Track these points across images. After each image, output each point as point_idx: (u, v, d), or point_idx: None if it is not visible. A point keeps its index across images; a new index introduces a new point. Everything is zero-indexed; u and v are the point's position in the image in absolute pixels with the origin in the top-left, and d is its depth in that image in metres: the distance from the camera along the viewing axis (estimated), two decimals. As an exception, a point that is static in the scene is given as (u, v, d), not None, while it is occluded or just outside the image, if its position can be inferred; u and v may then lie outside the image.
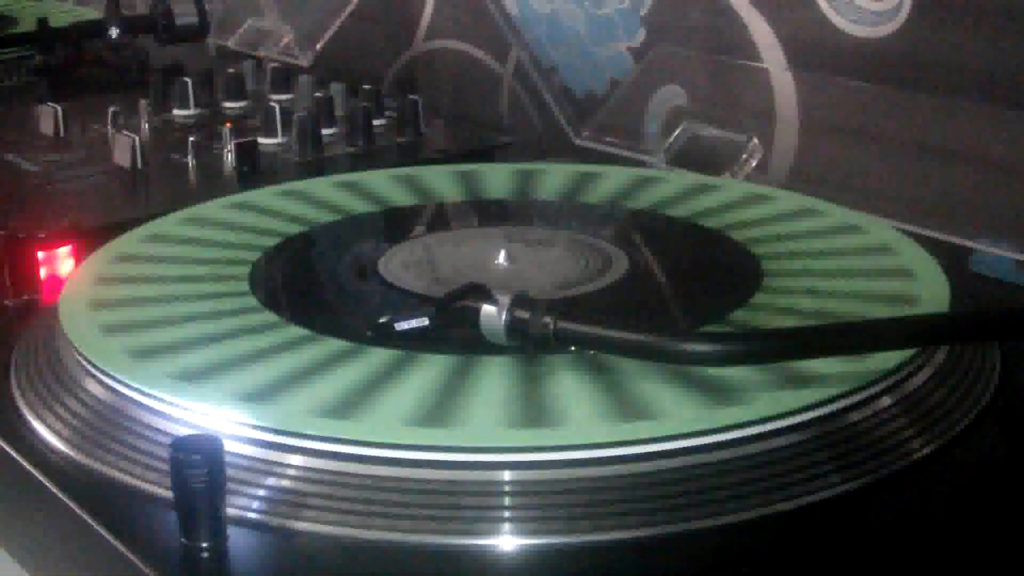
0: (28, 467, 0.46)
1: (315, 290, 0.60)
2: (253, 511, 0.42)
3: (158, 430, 0.45)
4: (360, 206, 0.67)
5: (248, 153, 0.75)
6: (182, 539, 0.40)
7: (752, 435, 0.43)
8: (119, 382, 0.47)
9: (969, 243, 0.66)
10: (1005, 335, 0.50)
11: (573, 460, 0.42)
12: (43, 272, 0.62)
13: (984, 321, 0.47)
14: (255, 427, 0.44)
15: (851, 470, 0.43)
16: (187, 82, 0.88)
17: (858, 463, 0.44)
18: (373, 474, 0.42)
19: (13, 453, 0.47)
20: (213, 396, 0.45)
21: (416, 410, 0.44)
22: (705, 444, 0.43)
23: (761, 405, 0.44)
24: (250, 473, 0.43)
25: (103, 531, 0.42)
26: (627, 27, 0.85)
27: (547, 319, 0.46)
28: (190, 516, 0.40)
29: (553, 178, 0.71)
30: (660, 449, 0.42)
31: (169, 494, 0.40)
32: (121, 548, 0.41)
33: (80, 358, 0.50)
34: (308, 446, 0.43)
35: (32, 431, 0.48)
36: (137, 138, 0.76)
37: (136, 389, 0.47)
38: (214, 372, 0.47)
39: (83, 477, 0.45)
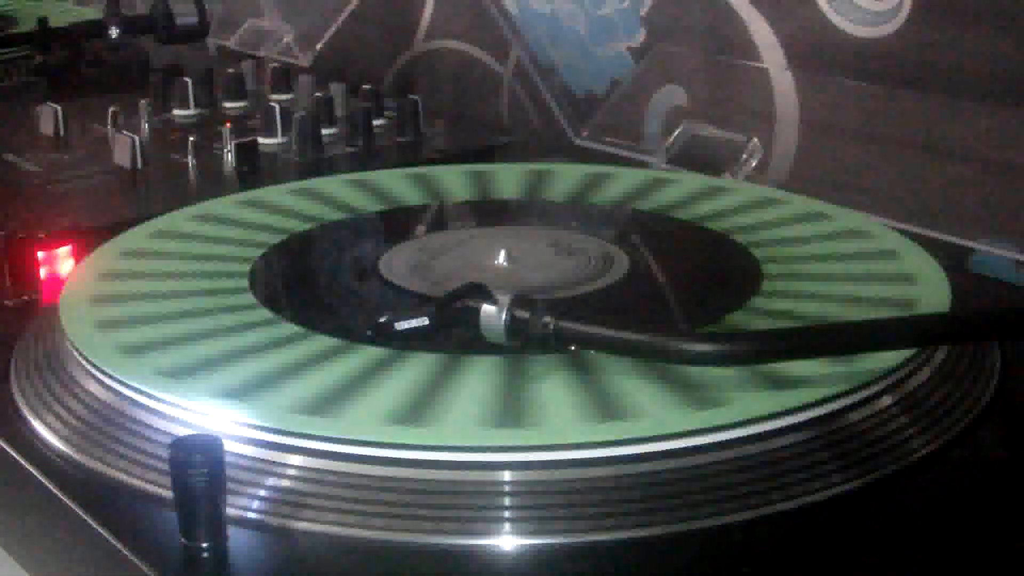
0: (28, 467, 0.46)
1: (316, 290, 0.60)
2: (253, 511, 0.42)
3: (158, 430, 0.45)
4: (369, 204, 0.67)
5: (248, 153, 0.75)
6: (182, 539, 0.40)
7: (752, 435, 0.43)
8: (119, 382, 0.47)
9: (969, 243, 0.66)
10: (1005, 335, 0.50)
11: (573, 460, 0.42)
12: (43, 272, 0.62)
13: (984, 321, 0.47)
14: (255, 426, 0.44)
15: (851, 470, 0.43)
16: (187, 82, 0.88)
17: (858, 463, 0.44)
18: (373, 474, 0.42)
19: (13, 453, 0.47)
20: (213, 396, 0.45)
21: (415, 409, 0.44)
22: (705, 444, 0.43)
23: (761, 404, 0.44)
24: (250, 473, 0.43)
25: (103, 531, 0.42)
26: (627, 27, 0.85)
27: (547, 319, 0.46)
28: (190, 516, 0.40)
29: (563, 179, 0.71)
30: (660, 449, 0.42)
31: (169, 494, 0.40)
32: (121, 548, 0.41)
33: (80, 358, 0.50)
34: (308, 445, 0.43)
35: (32, 431, 0.48)
36: (137, 138, 0.76)
37: (136, 389, 0.47)
38: (214, 372, 0.47)
39: (83, 477, 0.45)
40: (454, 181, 0.70)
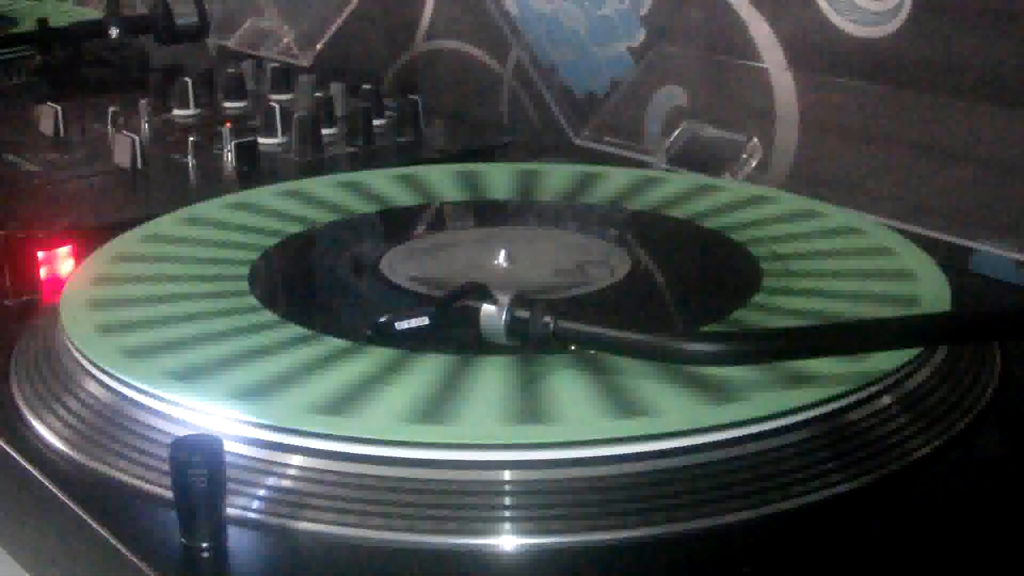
0: (28, 467, 0.46)
1: (317, 290, 0.60)
2: (253, 511, 0.42)
3: (158, 430, 0.45)
4: (361, 206, 0.67)
5: (248, 153, 0.75)
6: (182, 539, 0.40)
7: (752, 434, 0.43)
8: (119, 382, 0.47)
9: (969, 243, 0.66)
10: (1005, 335, 0.50)
11: (572, 459, 0.42)
12: (43, 272, 0.62)
13: (984, 321, 0.47)
14: (255, 426, 0.44)
15: (851, 470, 0.43)
16: (187, 82, 0.88)
17: (858, 463, 0.44)
18: (372, 473, 0.42)
19: (13, 453, 0.47)
20: (213, 396, 0.45)
21: (414, 409, 0.44)
22: (704, 443, 0.43)
23: (761, 404, 0.44)
24: (250, 473, 0.43)
25: (103, 531, 0.42)
26: (627, 27, 0.85)
27: (547, 319, 0.46)
28: (190, 516, 0.40)
29: (554, 178, 0.71)
30: (659, 448, 0.42)
31: (169, 494, 0.40)
32: (121, 548, 0.41)
33: (80, 358, 0.50)
34: (308, 445, 0.43)
35: (32, 431, 0.48)
36: (137, 138, 0.76)
37: (136, 389, 0.47)
38: (214, 371, 0.47)
39: (83, 477, 0.45)
40: (443, 181, 0.70)
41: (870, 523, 0.42)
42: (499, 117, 0.97)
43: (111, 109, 0.83)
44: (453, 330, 0.49)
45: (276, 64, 0.97)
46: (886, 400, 0.47)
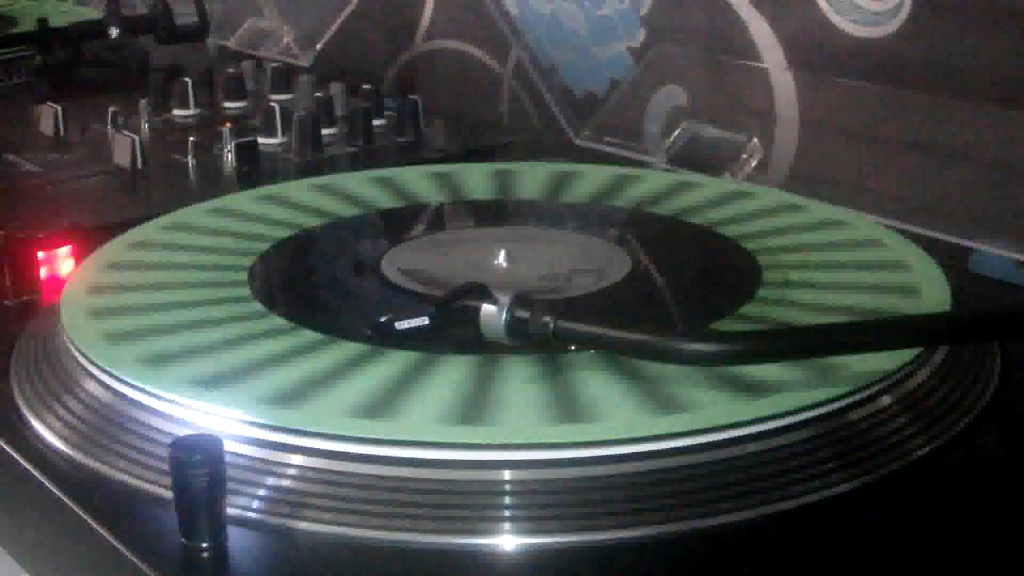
0: (28, 467, 0.46)
1: (317, 290, 0.60)
2: (253, 511, 0.42)
3: (158, 430, 0.45)
4: (344, 208, 0.67)
5: (248, 153, 0.75)
6: (182, 539, 0.40)
7: (752, 434, 0.43)
8: (119, 382, 0.47)
9: (969, 243, 0.66)
10: (1005, 335, 0.50)
11: (572, 459, 0.42)
12: (43, 272, 0.62)
13: (984, 321, 0.47)
14: (255, 426, 0.44)
15: (851, 470, 0.43)
16: (187, 82, 0.88)
17: (858, 463, 0.44)
18: (373, 473, 0.42)
19: (13, 453, 0.47)
20: (213, 395, 0.45)
21: (415, 409, 0.44)
22: (705, 444, 0.43)
23: (761, 404, 0.44)
24: (250, 472, 0.43)
25: (103, 531, 0.42)
26: (627, 27, 0.85)
27: (547, 318, 0.46)
28: (190, 516, 0.40)
29: (587, 180, 0.71)
30: (659, 448, 0.42)
31: (169, 494, 0.40)
32: (121, 548, 0.41)
33: (80, 358, 0.50)
34: (308, 445, 0.43)
35: (32, 431, 0.48)
36: (137, 138, 0.76)
37: (136, 388, 0.47)
38: (214, 371, 0.47)
39: (83, 477, 0.45)
40: (419, 182, 0.70)
41: (870, 523, 0.42)
42: (499, 117, 0.97)
43: (111, 109, 0.83)
44: (453, 330, 0.49)
45: (276, 64, 0.97)
46: (886, 400, 0.47)
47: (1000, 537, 0.42)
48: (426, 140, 0.82)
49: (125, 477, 0.45)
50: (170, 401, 0.46)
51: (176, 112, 0.88)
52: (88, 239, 0.62)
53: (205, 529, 0.40)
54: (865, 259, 0.58)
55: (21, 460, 0.47)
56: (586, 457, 0.42)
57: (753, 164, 0.77)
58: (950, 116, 0.68)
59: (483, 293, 0.48)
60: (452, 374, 0.47)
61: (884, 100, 0.71)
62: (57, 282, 0.60)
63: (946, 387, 0.49)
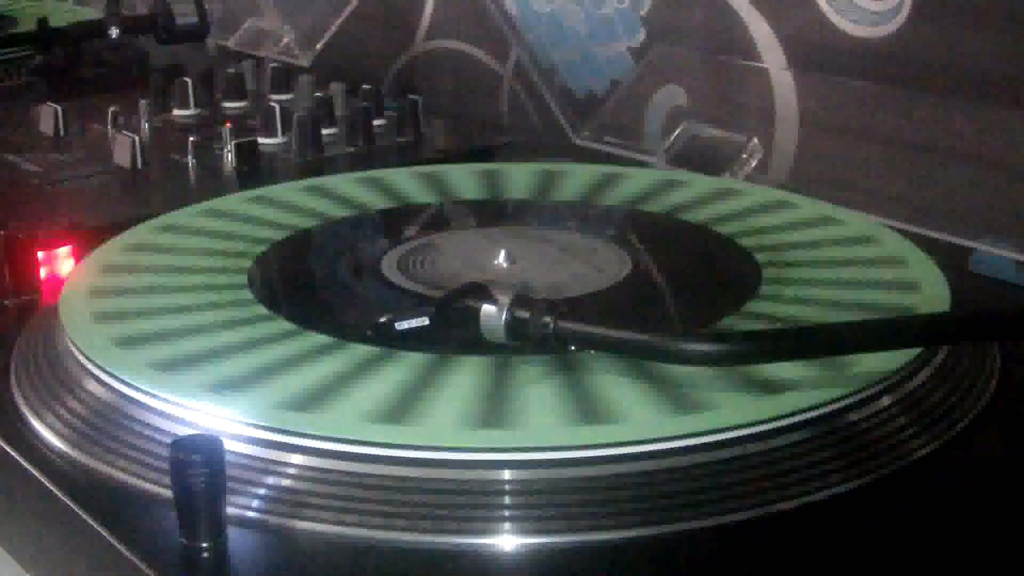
0: (28, 467, 0.46)
1: (318, 290, 0.60)
2: (253, 511, 0.42)
3: (158, 430, 0.45)
4: (336, 209, 0.67)
5: (248, 153, 0.75)
6: (182, 539, 0.40)
7: (752, 435, 0.43)
8: (119, 381, 0.47)
9: (969, 243, 0.66)
10: (1005, 335, 0.50)
11: (572, 460, 0.42)
12: (43, 272, 0.62)
13: (984, 321, 0.47)
14: (255, 426, 0.44)
15: (851, 470, 0.44)
16: (187, 82, 0.88)
17: (858, 463, 0.44)
18: (372, 473, 0.42)
19: (13, 453, 0.47)
20: (213, 396, 0.45)
21: (417, 409, 0.44)
22: (705, 444, 0.43)
23: (761, 405, 0.44)
24: (250, 472, 0.43)
25: (103, 531, 0.42)
26: (627, 27, 0.85)
27: (547, 319, 0.46)
28: (190, 516, 0.40)
29: (574, 179, 0.71)
30: (660, 449, 0.42)
31: (169, 494, 0.40)
32: (121, 548, 0.41)
33: (80, 358, 0.50)
34: (308, 444, 0.43)
35: (32, 431, 0.48)
36: (137, 138, 0.76)
37: (136, 388, 0.47)
38: (214, 372, 0.47)
39: (83, 477, 0.45)
40: (408, 183, 0.70)
41: (870, 523, 0.42)
42: (499, 117, 0.97)
43: (111, 109, 0.83)
44: (453, 330, 0.49)
45: (276, 64, 0.97)
46: (886, 400, 0.47)
47: (1000, 537, 0.42)
48: (426, 140, 0.82)
49: (125, 477, 0.45)
50: (169, 401, 0.46)
51: (176, 112, 0.88)
52: (88, 239, 0.62)
53: (205, 529, 0.40)
54: (860, 255, 0.58)
55: (21, 460, 0.47)
56: (586, 458, 0.42)
57: (753, 164, 0.77)
58: (950, 116, 0.68)
59: (483, 293, 0.48)
60: (456, 376, 0.47)
61: (884, 100, 0.71)
62: (57, 282, 0.60)
63: (946, 387, 0.49)
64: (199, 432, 0.42)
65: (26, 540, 0.49)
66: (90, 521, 0.42)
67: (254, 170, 0.75)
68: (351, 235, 0.64)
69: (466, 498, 0.42)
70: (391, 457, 0.42)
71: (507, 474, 0.42)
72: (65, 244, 0.63)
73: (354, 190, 0.69)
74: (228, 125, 0.78)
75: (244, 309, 0.54)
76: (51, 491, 0.45)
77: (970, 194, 0.68)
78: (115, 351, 0.49)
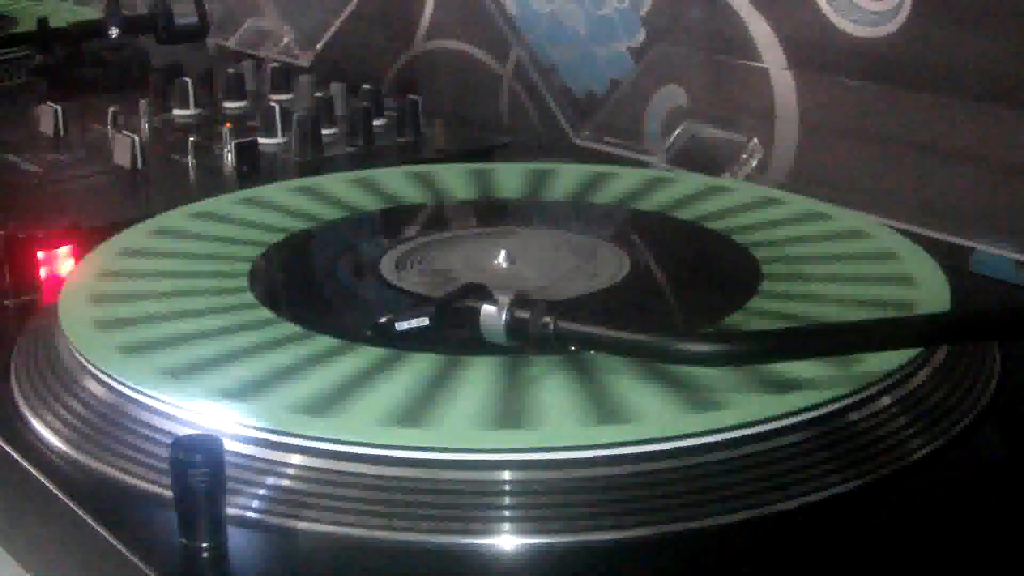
0: (28, 467, 0.46)
1: (319, 290, 0.60)
2: (253, 511, 0.42)
3: (158, 430, 0.45)
4: (328, 210, 0.67)
5: (248, 153, 0.75)
6: (182, 539, 0.40)
7: (752, 435, 0.43)
8: (119, 382, 0.47)
9: (969, 243, 0.66)
10: (1005, 335, 0.50)
11: (572, 460, 0.42)
12: (43, 272, 0.62)
13: (984, 321, 0.47)
14: (255, 426, 0.44)
15: (851, 470, 0.43)
16: (187, 82, 0.88)
17: (858, 463, 0.44)
18: (372, 473, 0.42)
19: (13, 453, 0.47)
20: (213, 395, 0.45)
21: (416, 409, 0.44)
22: (705, 444, 0.43)
23: (761, 404, 0.44)
24: (250, 472, 0.43)
25: (103, 531, 0.42)
26: (627, 27, 0.85)
27: (547, 319, 0.46)
28: (190, 516, 0.40)
29: (565, 178, 0.71)
30: (660, 449, 0.42)
31: (169, 494, 0.40)
32: (121, 548, 0.41)
33: (80, 358, 0.50)
34: (308, 445, 0.43)
35: (32, 431, 0.48)
36: (137, 138, 0.76)
37: (136, 389, 0.47)
38: (214, 372, 0.47)
39: (83, 477, 0.45)
40: (398, 182, 0.70)
41: (870, 523, 0.42)
42: (499, 117, 0.97)
43: (111, 109, 0.83)
44: (453, 330, 0.49)
45: (276, 64, 0.97)
46: (886, 400, 0.47)
47: (1000, 537, 0.42)
48: (426, 140, 0.82)
49: (125, 477, 0.45)
50: (169, 401, 0.46)
51: (176, 112, 0.88)
52: (88, 239, 0.62)
53: (205, 529, 0.40)
54: (853, 249, 0.59)
55: (21, 460, 0.47)
56: (585, 458, 0.42)
57: (753, 164, 0.77)
58: (950, 116, 0.68)
59: (483, 294, 0.48)
60: (462, 378, 0.47)
61: (884, 100, 0.71)
62: (57, 282, 0.60)
63: (946, 387, 0.49)
64: (199, 432, 0.42)
65: (26, 540, 0.49)
66: (90, 521, 0.43)
67: (254, 170, 0.75)
68: (348, 237, 0.64)
69: (466, 498, 0.42)
70: (390, 457, 0.42)
71: (507, 474, 0.42)
72: (65, 244, 0.63)
73: (345, 191, 0.69)
74: (228, 125, 0.78)
75: (244, 311, 0.54)
76: (51, 491, 0.45)
77: (970, 194, 0.68)
78: (115, 351, 0.49)
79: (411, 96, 0.84)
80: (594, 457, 0.42)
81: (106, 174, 0.75)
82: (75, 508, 0.43)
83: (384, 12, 1.06)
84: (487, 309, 0.48)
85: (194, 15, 1.07)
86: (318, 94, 0.85)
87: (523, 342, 0.47)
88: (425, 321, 0.49)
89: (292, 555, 0.41)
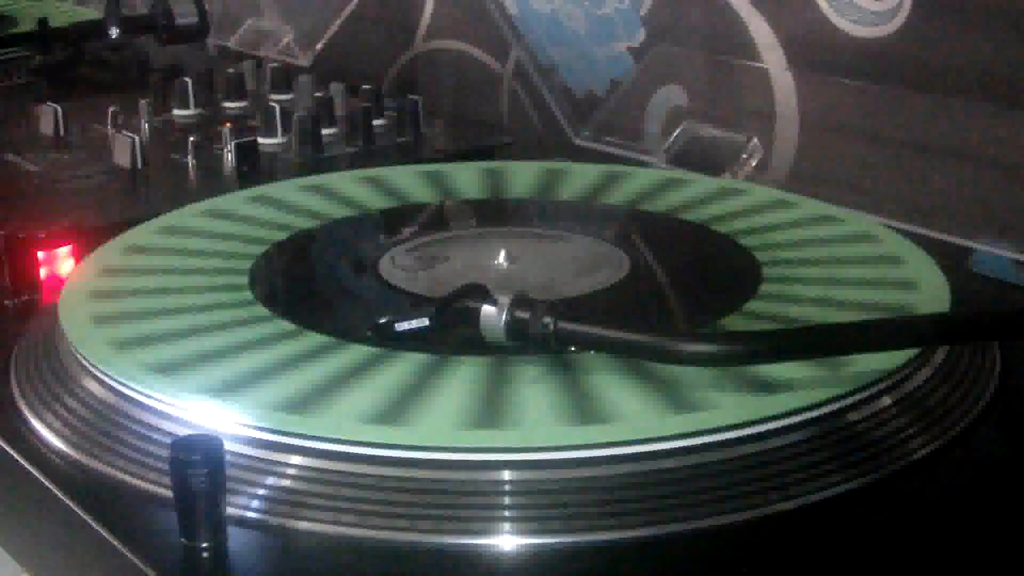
0: (28, 467, 0.46)
1: (319, 291, 0.60)
2: (253, 511, 0.42)
3: (158, 430, 0.45)
4: (336, 208, 0.67)
5: (248, 153, 0.75)
6: (182, 539, 0.40)
7: (752, 435, 0.43)
8: (119, 382, 0.47)
9: (969, 243, 0.66)
10: (1005, 335, 0.50)
11: (572, 460, 0.42)
12: (43, 272, 0.62)
13: (984, 321, 0.47)
14: (255, 426, 0.44)
15: (851, 470, 0.43)
16: (187, 82, 0.88)
17: (858, 463, 0.44)
18: (372, 473, 0.42)
19: (13, 453, 0.47)
20: (213, 396, 0.45)
21: (417, 409, 0.44)
22: (705, 444, 0.43)
23: (760, 404, 0.44)
24: (250, 472, 0.43)
25: (103, 531, 0.42)
26: (627, 27, 0.85)
27: (547, 319, 0.46)
28: (190, 516, 0.40)
29: (576, 178, 0.71)
30: (660, 449, 0.42)
31: (169, 494, 0.40)
32: (121, 548, 0.41)
33: (80, 358, 0.50)
34: (307, 445, 0.43)
35: (32, 431, 0.48)
36: (137, 138, 0.76)
37: (135, 389, 0.47)
38: (214, 372, 0.47)
39: (83, 477, 0.45)
40: (409, 181, 0.70)
41: (870, 523, 0.42)
42: (499, 117, 0.97)
43: (111, 109, 0.83)
44: (453, 330, 0.49)
45: (276, 64, 0.97)
46: (886, 400, 0.47)
47: (1000, 537, 0.42)
48: (426, 140, 0.82)
49: (125, 477, 0.45)
50: (169, 401, 0.46)
51: (176, 112, 0.87)
52: (88, 239, 0.62)
53: (205, 529, 0.40)
54: (861, 254, 0.58)
55: (21, 460, 0.47)
56: (585, 458, 0.42)
57: (753, 164, 0.77)
58: (950, 116, 0.68)
59: (483, 294, 0.48)
60: (453, 376, 0.47)
61: (884, 100, 0.71)
62: (57, 282, 0.60)
63: (946, 387, 0.49)
64: (199, 432, 0.42)
65: (26, 540, 0.49)
66: (90, 521, 0.43)
67: (254, 170, 0.75)
68: (350, 235, 0.64)
69: (466, 498, 0.42)
70: (390, 457, 0.42)
71: (506, 474, 0.42)
72: (65, 244, 0.63)
73: (354, 189, 0.69)
74: (228, 125, 0.78)
75: (244, 310, 0.54)
76: (51, 491, 0.45)
77: (970, 194, 0.68)
78: (115, 351, 0.49)
79: (411, 96, 0.84)
80: (592, 457, 0.42)
81: (106, 174, 0.75)
82: (75, 508, 0.43)
83: (384, 12, 1.06)
84: (487, 310, 0.48)
85: (194, 15, 1.07)
86: (318, 94, 0.85)
87: (523, 342, 0.47)
88: (425, 322, 0.49)
89: (292, 555, 0.41)
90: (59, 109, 0.84)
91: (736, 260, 0.59)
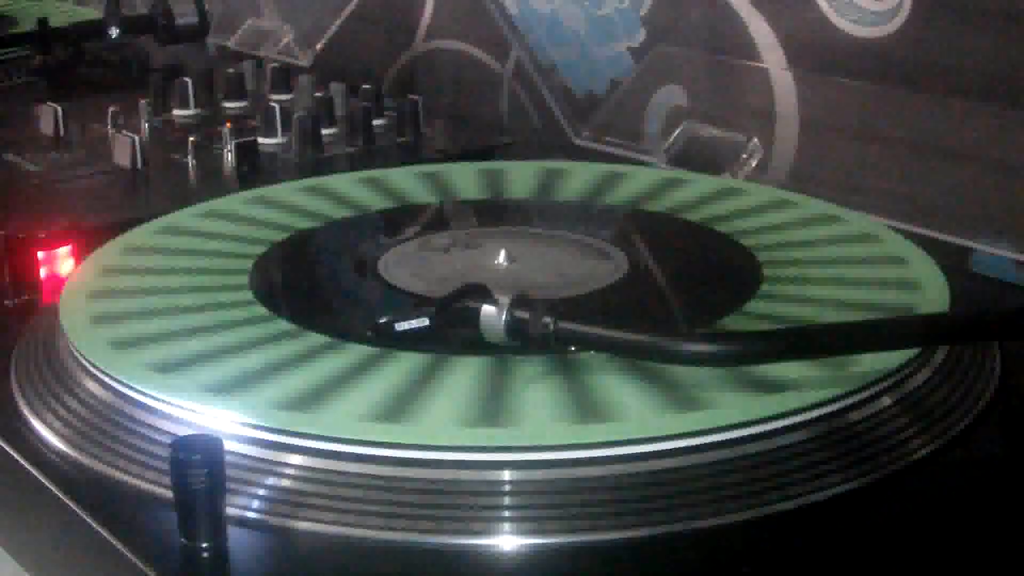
0: (28, 467, 0.46)
1: (317, 291, 0.60)
2: (253, 511, 0.42)
3: (158, 430, 0.45)
4: (335, 209, 0.67)
5: (248, 153, 0.75)
6: (182, 539, 0.40)
7: (752, 435, 0.43)
8: (118, 382, 0.47)
9: (969, 243, 0.66)
10: (1005, 335, 0.50)
11: (572, 460, 0.42)
12: (43, 272, 0.62)
13: (984, 321, 0.47)
14: (255, 426, 0.44)
15: (851, 470, 0.43)
16: (187, 82, 0.88)
17: (858, 463, 0.44)
18: (372, 473, 0.42)
19: (13, 453, 0.47)
20: (212, 396, 0.45)
21: (416, 408, 0.44)
22: (705, 443, 0.43)
23: (761, 404, 0.44)
24: (250, 472, 0.43)
25: (103, 531, 0.42)
26: (627, 27, 0.85)
27: (547, 319, 0.46)
28: (190, 516, 0.40)
29: (576, 178, 0.71)
30: (661, 449, 0.42)
31: (169, 494, 0.40)
32: (121, 548, 0.41)
33: (80, 358, 0.50)
34: (307, 444, 0.43)
35: (32, 431, 0.48)
36: (137, 138, 0.76)
37: (135, 389, 0.47)
38: (213, 372, 0.47)
39: (83, 477, 0.45)
40: (408, 182, 0.70)
41: (870, 523, 0.42)
42: (499, 117, 0.97)
43: (111, 109, 0.83)
44: (454, 330, 0.49)
45: (276, 64, 0.97)
46: (886, 400, 0.47)
47: (1000, 537, 0.42)
48: (426, 140, 0.82)
49: (125, 477, 0.45)
50: (169, 401, 0.46)
51: (176, 112, 0.88)
52: (88, 239, 0.62)
53: (205, 529, 0.40)
54: (862, 254, 0.58)
55: (21, 460, 0.47)
56: (585, 458, 0.42)
57: (753, 164, 0.77)
58: (950, 116, 0.68)
59: (483, 294, 0.48)
60: (455, 376, 0.47)
61: (884, 100, 0.71)
62: (57, 282, 0.60)
63: (946, 387, 0.49)
64: (199, 432, 0.42)
65: (26, 540, 0.49)
66: (90, 521, 0.43)
67: (254, 170, 0.75)
68: (350, 236, 0.64)
69: (466, 498, 0.42)
70: (390, 457, 0.42)
71: (506, 474, 0.42)
72: (65, 244, 0.63)
73: (354, 190, 0.69)
74: (228, 125, 0.78)
75: (243, 310, 0.54)
76: (51, 491, 0.45)
77: (970, 194, 0.68)
78: (115, 352, 0.49)
79: (411, 96, 0.84)
80: (592, 457, 0.42)
81: (106, 174, 0.75)
82: (75, 508, 0.43)
83: (384, 12, 1.06)
84: (487, 310, 0.48)
85: (194, 15, 1.07)
86: (318, 94, 0.85)
87: (523, 342, 0.47)
88: (425, 322, 0.49)
89: (292, 555, 0.41)
90: (59, 109, 0.84)
91: (736, 260, 0.59)
